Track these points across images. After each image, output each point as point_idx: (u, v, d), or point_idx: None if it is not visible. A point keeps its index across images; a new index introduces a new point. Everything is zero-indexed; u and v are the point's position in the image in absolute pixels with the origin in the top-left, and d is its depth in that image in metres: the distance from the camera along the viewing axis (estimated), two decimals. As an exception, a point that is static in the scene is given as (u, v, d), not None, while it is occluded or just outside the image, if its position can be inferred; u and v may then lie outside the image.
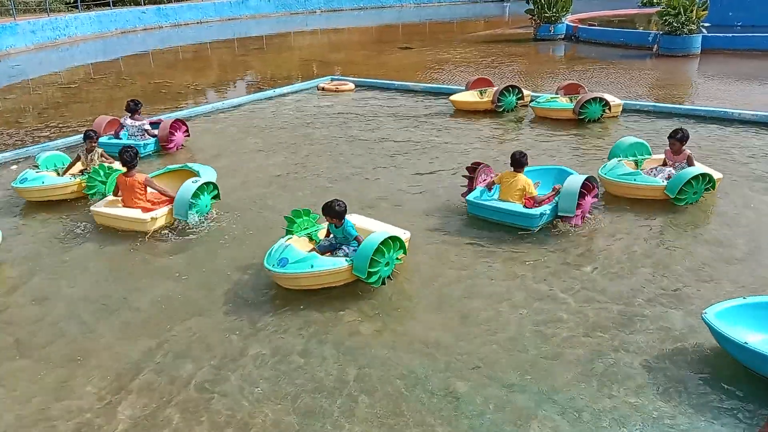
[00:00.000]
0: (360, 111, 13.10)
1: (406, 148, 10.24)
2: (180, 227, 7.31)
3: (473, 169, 7.64)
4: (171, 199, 7.41)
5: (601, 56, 20.25)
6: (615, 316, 5.27)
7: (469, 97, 12.79)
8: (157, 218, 7.25)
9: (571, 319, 5.25)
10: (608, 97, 11.58)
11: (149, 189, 7.51)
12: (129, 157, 7.38)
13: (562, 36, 24.45)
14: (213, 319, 5.46)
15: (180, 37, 32.04)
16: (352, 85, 15.45)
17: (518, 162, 7.17)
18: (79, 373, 4.79)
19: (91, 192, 8.17)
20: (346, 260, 5.74)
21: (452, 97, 12.91)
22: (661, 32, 19.82)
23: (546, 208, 6.92)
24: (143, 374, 4.73)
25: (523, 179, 7.13)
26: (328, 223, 6.12)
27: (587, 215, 7.11)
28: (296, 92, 15.33)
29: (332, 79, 16.25)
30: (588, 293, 5.65)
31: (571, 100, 11.62)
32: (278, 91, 15.20)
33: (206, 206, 7.50)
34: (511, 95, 12.27)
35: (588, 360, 4.71)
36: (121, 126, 10.46)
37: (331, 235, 6.27)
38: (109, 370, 4.81)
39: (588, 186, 6.94)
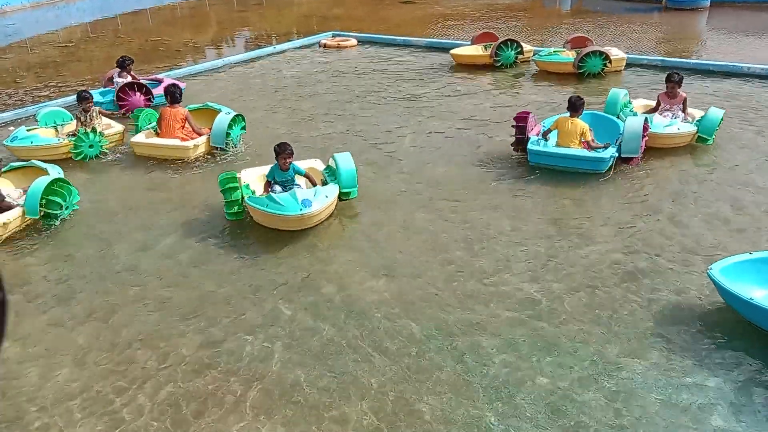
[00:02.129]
0: (362, 67, 12.90)
1: (411, 104, 10.11)
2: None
3: (523, 119, 7.51)
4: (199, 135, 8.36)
5: (607, 10, 19.82)
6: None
7: (468, 51, 12.59)
8: (198, 145, 8.22)
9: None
10: (613, 50, 11.36)
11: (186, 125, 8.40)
12: (178, 93, 8.53)
13: (569, -11, 23.87)
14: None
15: (178, -6, 31.38)
16: (354, 41, 15.17)
17: (575, 106, 7.31)
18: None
19: (77, 155, 8.16)
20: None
21: (452, 51, 12.70)
22: (669, -15, 19.36)
23: (612, 150, 7.04)
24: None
25: (581, 124, 7.27)
26: (273, 171, 6.41)
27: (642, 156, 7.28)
28: (298, 48, 15.07)
29: (334, 35, 15.96)
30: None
31: (577, 53, 11.40)
32: (279, 47, 14.94)
33: (237, 136, 8.45)
34: (510, 50, 11.99)
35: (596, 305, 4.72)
36: (111, 81, 10.44)
37: (273, 186, 6.44)
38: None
39: (645, 126, 7.12)
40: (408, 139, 8.68)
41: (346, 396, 4.05)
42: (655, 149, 7.57)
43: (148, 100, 10.14)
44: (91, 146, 8.20)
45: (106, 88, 10.53)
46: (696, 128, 7.71)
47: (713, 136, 7.73)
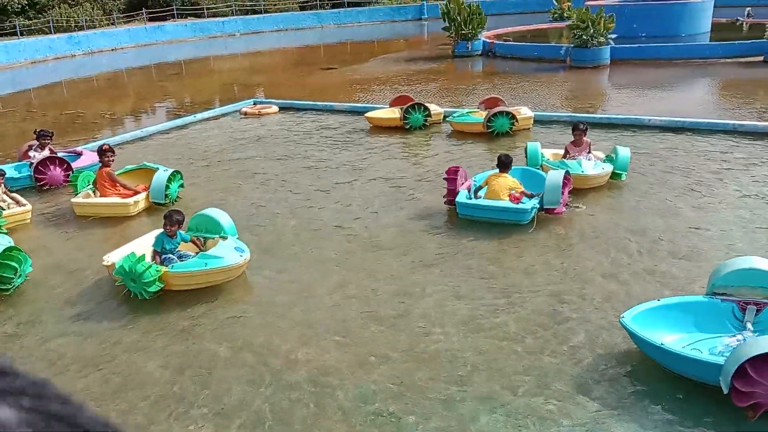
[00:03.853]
0: (284, 133, 13.03)
1: (334, 166, 10.25)
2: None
3: (454, 172, 7.90)
4: (134, 193, 8.73)
5: (517, 70, 20.90)
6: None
7: (382, 114, 13.04)
8: (138, 202, 8.65)
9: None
10: (522, 109, 11.98)
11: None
12: (100, 152, 8.94)
13: (480, 52, 25.10)
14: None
15: (94, 66, 31.05)
16: (275, 108, 15.34)
17: (504, 164, 7.87)
18: None
19: None
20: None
21: (367, 114, 13.13)
22: (572, 45, 20.65)
23: (534, 202, 7.46)
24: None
25: (510, 179, 7.80)
26: (162, 240, 6.45)
27: (567, 205, 7.73)
28: (219, 116, 15.09)
29: (255, 103, 16.10)
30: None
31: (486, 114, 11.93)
32: (199, 116, 14.91)
33: (175, 192, 8.96)
34: (417, 113, 12.48)
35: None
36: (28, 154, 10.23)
37: (165, 255, 6.47)
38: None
39: (566, 179, 7.57)
40: (333, 200, 8.77)
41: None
42: (585, 190, 8.36)
43: (67, 175, 9.89)
44: None
45: (22, 162, 10.21)
46: (612, 167, 8.55)
47: (626, 171, 8.64)
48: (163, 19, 43.42)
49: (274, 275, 6.66)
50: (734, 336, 4.81)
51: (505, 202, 7.56)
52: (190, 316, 5.91)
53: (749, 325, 4.86)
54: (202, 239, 6.81)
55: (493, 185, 7.79)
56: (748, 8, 30.58)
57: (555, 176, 7.51)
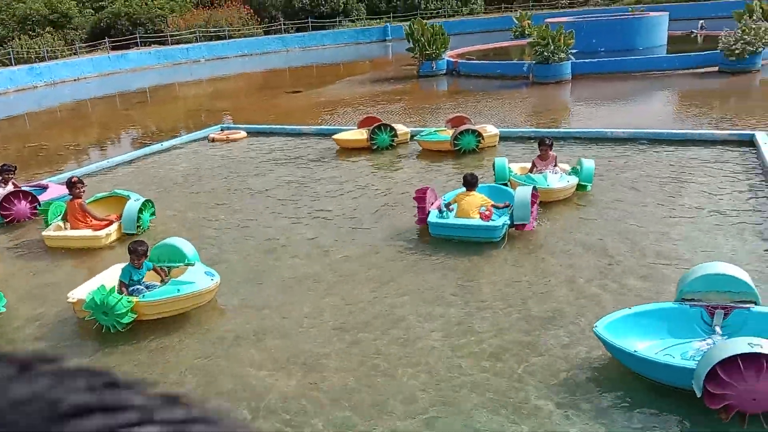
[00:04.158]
0: (253, 158, 13.01)
1: (305, 189, 10.26)
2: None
3: (423, 192, 7.97)
4: (108, 223, 8.70)
5: (481, 88, 21.22)
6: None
7: (349, 135, 13.14)
8: (110, 234, 8.58)
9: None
10: (488, 127, 12.18)
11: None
12: (69, 184, 8.88)
13: (444, 71, 25.44)
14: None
15: (57, 96, 30.63)
16: (243, 133, 15.30)
17: (470, 183, 7.99)
18: None
19: None
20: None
21: (335, 136, 13.21)
22: (534, 62, 21.05)
23: (505, 219, 7.53)
24: None
25: (479, 196, 7.89)
26: (129, 271, 6.40)
27: (536, 221, 7.80)
28: (186, 143, 14.99)
29: (222, 128, 16.05)
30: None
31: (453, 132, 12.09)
32: (166, 144, 14.80)
33: (147, 221, 8.91)
34: (384, 133, 12.60)
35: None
36: None
37: (133, 286, 6.42)
38: None
39: (534, 195, 7.65)
40: (304, 223, 8.76)
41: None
42: (552, 202, 8.53)
43: (34, 207, 9.74)
44: None
45: None
46: (577, 179, 8.76)
47: (591, 183, 8.87)
48: (126, 47, 43.14)
49: (244, 300, 6.61)
50: (704, 340, 4.92)
51: (476, 220, 7.63)
52: (162, 346, 5.83)
53: (718, 329, 4.98)
54: (165, 268, 6.75)
55: (462, 204, 7.87)
56: (701, 21, 31.61)
57: (523, 193, 7.62)
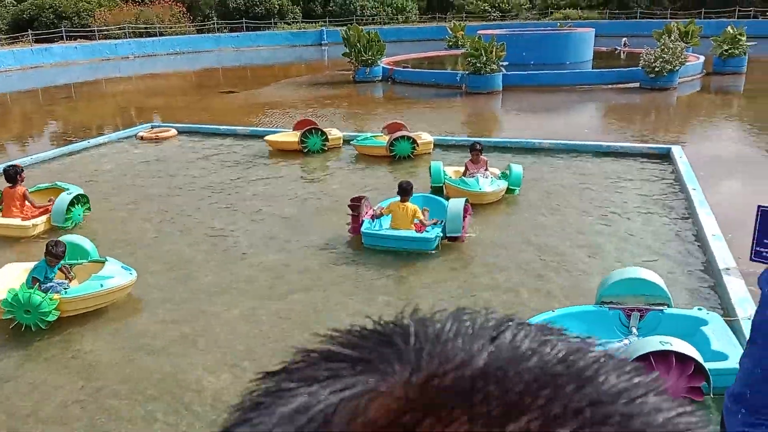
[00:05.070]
0: (183, 158, 12.78)
1: (237, 192, 10.16)
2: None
3: (357, 200, 7.91)
4: (45, 211, 8.68)
5: (416, 96, 21.53)
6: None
7: (281, 137, 13.13)
8: (37, 225, 8.52)
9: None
10: (423, 134, 12.40)
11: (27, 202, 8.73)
12: (12, 172, 8.76)
13: (380, 78, 25.67)
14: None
15: (-27, 89, 29.10)
16: (174, 132, 15.00)
17: (405, 191, 7.84)
18: None
19: None
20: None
21: (267, 138, 13.19)
22: (467, 72, 21.53)
23: (438, 231, 7.60)
24: None
25: (412, 207, 7.80)
26: (44, 268, 6.26)
27: (467, 232, 7.87)
28: (114, 141, 14.56)
29: (153, 126, 15.67)
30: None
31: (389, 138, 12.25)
32: (93, 141, 14.33)
33: (79, 215, 8.79)
34: (315, 137, 12.63)
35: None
36: None
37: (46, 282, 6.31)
38: None
39: (466, 207, 7.77)
40: (234, 226, 8.68)
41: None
42: (482, 206, 8.82)
43: None
44: None
45: None
46: (506, 183, 9.17)
47: (520, 187, 9.35)
48: (51, 41, 41.42)
49: (173, 306, 6.51)
50: (622, 341, 5.21)
51: (410, 232, 7.70)
52: (83, 348, 5.69)
53: (634, 330, 5.29)
54: (68, 266, 6.63)
55: (396, 214, 7.88)
56: (624, 38, 33.20)
57: (456, 204, 7.70)
